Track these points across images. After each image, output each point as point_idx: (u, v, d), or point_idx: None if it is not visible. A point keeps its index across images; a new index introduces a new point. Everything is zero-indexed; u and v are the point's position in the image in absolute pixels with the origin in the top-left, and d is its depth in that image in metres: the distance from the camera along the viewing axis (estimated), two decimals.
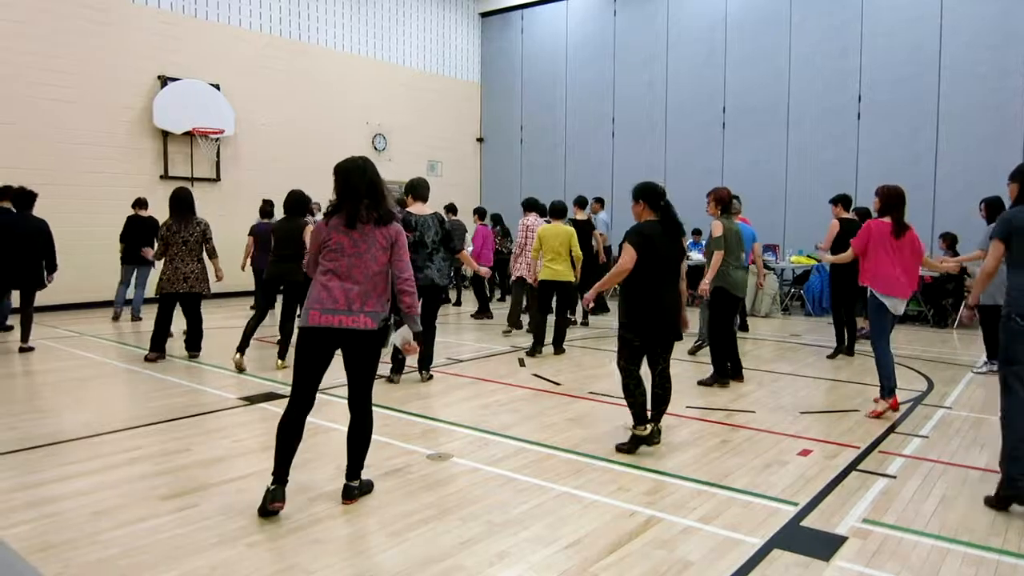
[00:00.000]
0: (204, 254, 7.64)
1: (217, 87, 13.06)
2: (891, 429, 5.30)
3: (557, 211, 8.77)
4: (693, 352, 8.23)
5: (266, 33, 14.10)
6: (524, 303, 9.79)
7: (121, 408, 5.78)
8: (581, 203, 10.52)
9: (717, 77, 14.60)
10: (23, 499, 3.80)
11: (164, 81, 12.46)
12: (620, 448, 4.73)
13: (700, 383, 6.73)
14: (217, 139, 13.10)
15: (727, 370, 6.76)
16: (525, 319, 9.93)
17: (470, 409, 5.79)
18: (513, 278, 9.85)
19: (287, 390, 6.22)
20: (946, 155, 12.20)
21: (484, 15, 18.34)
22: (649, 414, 4.78)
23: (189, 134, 12.68)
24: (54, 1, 11.21)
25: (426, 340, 6.76)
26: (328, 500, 3.80)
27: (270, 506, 3.56)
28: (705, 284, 6.76)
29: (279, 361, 7.32)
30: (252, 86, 13.73)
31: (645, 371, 4.77)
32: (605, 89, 16.16)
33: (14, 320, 9.42)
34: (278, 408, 5.70)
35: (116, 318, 10.53)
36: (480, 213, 12.14)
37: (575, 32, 16.71)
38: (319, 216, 10.76)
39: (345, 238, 3.72)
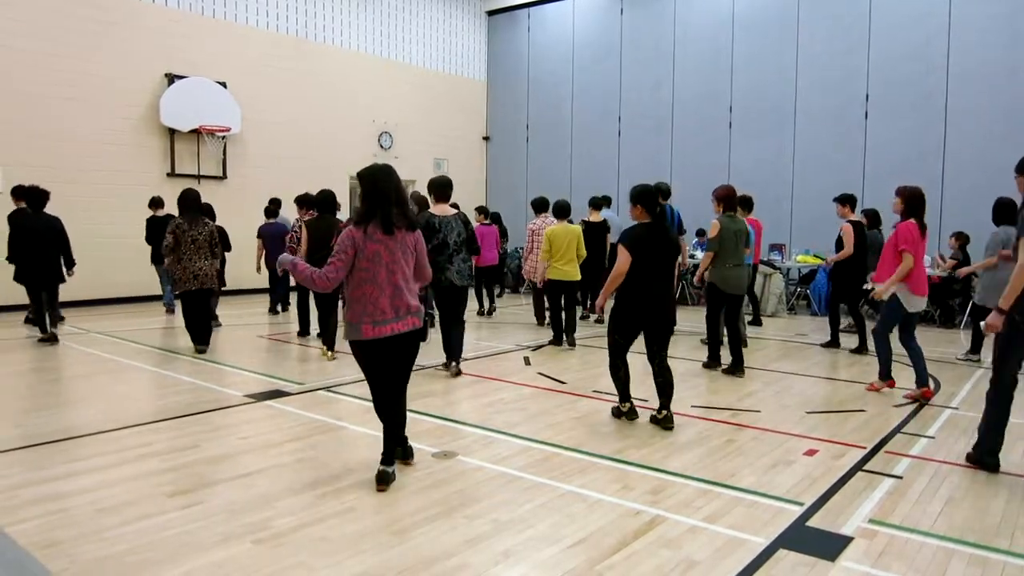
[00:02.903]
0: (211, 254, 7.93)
1: (224, 85, 13.09)
2: (897, 429, 5.29)
3: (562, 210, 8.76)
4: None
5: (273, 31, 14.12)
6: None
7: (128, 405, 5.79)
8: (596, 205, 10.34)
9: (724, 76, 14.55)
10: (30, 495, 3.82)
11: (171, 79, 12.49)
12: (613, 412, 5.42)
13: (704, 365, 7.36)
14: (224, 137, 13.13)
15: (719, 355, 7.33)
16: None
17: (475, 407, 5.79)
18: (527, 280, 9.91)
19: (293, 388, 6.30)
20: (954, 154, 12.13)
21: (491, 13, 18.32)
22: (658, 403, 5.24)
23: (196, 132, 12.71)
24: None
25: (454, 337, 6.93)
26: (333, 498, 3.81)
27: (383, 487, 3.91)
28: (696, 278, 7.45)
29: (328, 352, 7.62)
30: (259, 84, 13.75)
31: (643, 366, 4.82)
32: (612, 88, 16.12)
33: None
34: (284, 405, 5.72)
35: (170, 312, 10.92)
36: (482, 212, 12.11)
37: (582, 31, 16.67)
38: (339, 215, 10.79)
39: (381, 246, 3.78)
